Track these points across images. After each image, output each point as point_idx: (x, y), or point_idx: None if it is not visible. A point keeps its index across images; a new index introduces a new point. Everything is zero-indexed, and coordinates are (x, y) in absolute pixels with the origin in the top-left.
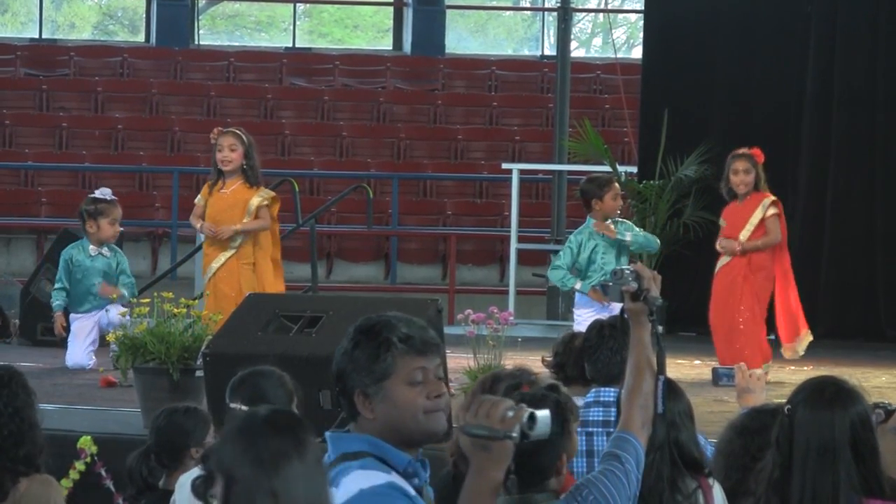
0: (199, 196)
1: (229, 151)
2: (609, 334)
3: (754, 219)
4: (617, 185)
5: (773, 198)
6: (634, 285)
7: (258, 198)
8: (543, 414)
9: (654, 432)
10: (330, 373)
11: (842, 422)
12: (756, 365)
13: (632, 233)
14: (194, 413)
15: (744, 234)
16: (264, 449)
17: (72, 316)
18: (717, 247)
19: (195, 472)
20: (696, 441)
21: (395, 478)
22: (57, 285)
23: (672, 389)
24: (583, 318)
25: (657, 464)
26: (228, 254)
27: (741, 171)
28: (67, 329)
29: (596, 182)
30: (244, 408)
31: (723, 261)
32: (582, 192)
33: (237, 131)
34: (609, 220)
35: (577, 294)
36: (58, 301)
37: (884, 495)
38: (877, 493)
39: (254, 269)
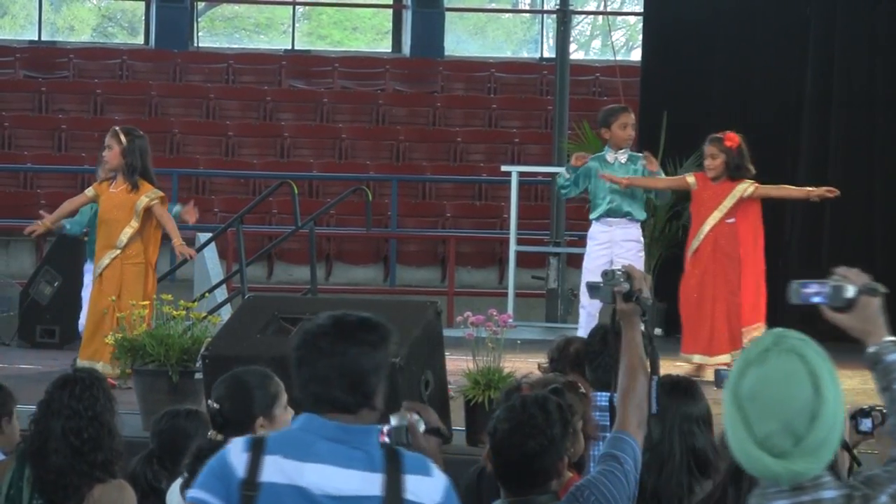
0: (90, 187)
1: (107, 151)
2: (613, 342)
3: (724, 206)
4: (627, 114)
5: (749, 182)
6: (626, 286)
7: (146, 198)
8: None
9: (649, 432)
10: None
11: None
12: (723, 351)
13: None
14: (196, 416)
15: (713, 218)
16: None
17: (86, 266)
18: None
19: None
20: (713, 446)
21: None
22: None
23: (690, 392)
24: (593, 253)
25: (676, 470)
26: (114, 253)
27: (708, 155)
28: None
29: (606, 111)
30: (216, 405)
31: (695, 243)
32: (598, 122)
33: (115, 130)
34: (623, 151)
35: (592, 223)
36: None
37: None
38: None
39: (146, 270)
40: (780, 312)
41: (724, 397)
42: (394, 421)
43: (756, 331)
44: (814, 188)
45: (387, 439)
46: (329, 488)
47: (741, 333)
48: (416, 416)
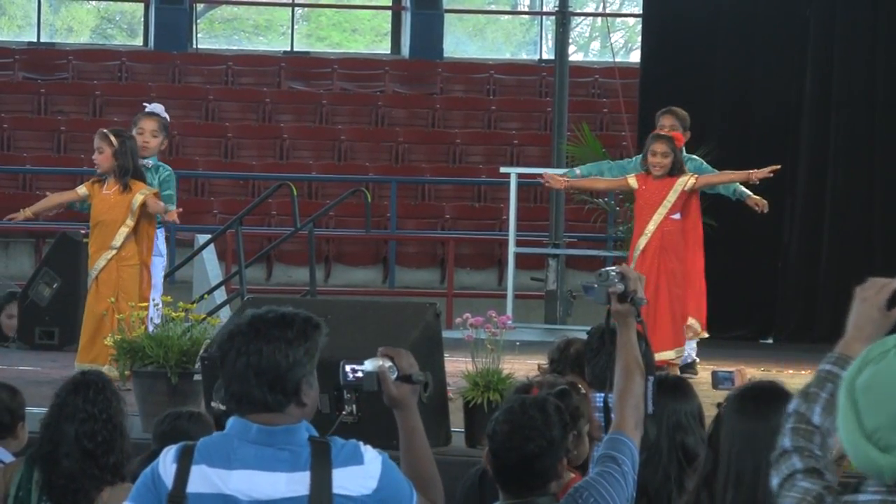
0: (82, 185)
1: (97, 154)
2: (612, 341)
3: (668, 201)
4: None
5: (688, 174)
6: (621, 287)
7: (140, 195)
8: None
9: (646, 432)
10: (329, 376)
11: (765, 417)
12: (667, 347)
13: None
14: (198, 418)
15: (658, 215)
16: None
17: None
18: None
19: None
20: (704, 443)
21: None
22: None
23: (681, 390)
24: None
25: (664, 465)
26: (110, 254)
27: (659, 153)
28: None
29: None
30: (222, 406)
31: (641, 242)
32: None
33: (104, 132)
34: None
35: None
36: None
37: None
38: None
39: (141, 271)
40: (782, 312)
41: (839, 390)
42: (367, 366)
43: (690, 329)
44: (756, 170)
45: (363, 384)
46: (256, 494)
47: (685, 330)
48: (388, 364)
